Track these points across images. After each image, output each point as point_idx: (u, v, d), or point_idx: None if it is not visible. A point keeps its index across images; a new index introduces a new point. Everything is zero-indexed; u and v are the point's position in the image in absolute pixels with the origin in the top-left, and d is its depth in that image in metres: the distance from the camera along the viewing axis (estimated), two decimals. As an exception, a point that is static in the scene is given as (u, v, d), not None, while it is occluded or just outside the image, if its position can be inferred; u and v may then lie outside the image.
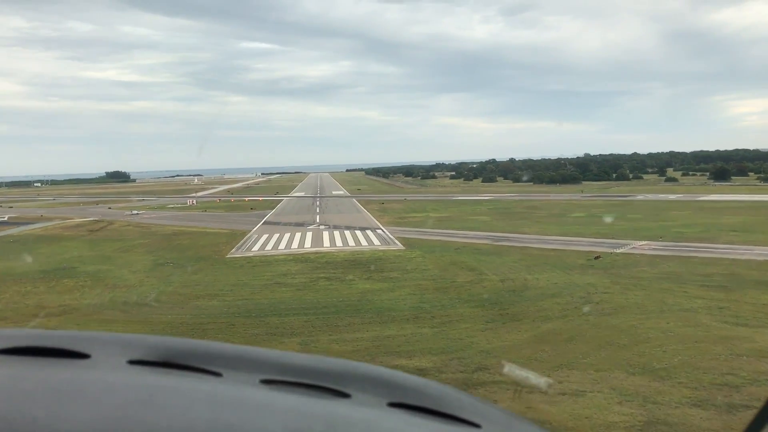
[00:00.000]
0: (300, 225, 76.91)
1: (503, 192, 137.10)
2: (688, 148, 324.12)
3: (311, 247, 56.71)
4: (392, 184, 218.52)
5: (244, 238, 65.16)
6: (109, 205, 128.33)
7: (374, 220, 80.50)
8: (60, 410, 0.86)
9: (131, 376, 1.11)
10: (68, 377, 1.05)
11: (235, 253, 54.57)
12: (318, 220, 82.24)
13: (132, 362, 1.18)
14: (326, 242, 59.77)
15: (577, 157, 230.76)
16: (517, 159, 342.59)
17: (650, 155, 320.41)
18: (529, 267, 42.04)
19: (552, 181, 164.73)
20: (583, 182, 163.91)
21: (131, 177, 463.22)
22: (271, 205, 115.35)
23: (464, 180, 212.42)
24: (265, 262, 48.91)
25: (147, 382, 1.08)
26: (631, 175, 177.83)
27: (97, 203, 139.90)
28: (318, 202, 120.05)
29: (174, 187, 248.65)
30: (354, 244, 57.38)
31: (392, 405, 1.16)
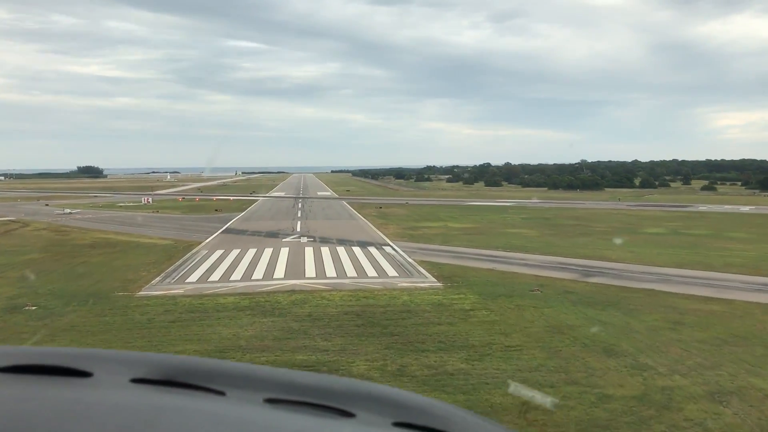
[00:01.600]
0: (273, 235, 55.24)
1: (520, 197, 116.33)
2: (669, 158, 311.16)
3: (285, 277, 34.90)
4: (384, 186, 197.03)
5: (186, 256, 43.32)
6: (47, 202, 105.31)
7: (376, 230, 59.08)
8: (63, 430, 0.85)
9: (134, 395, 1.10)
10: (71, 396, 1.04)
11: (154, 287, 32.57)
12: (299, 229, 60.45)
13: (135, 380, 1.17)
14: (310, 267, 38.12)
15: (577, 164, 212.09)
16: (511, 164, 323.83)
17: (654, 163, 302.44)
18: (720, 347, 20.87)
19: (570, 186, 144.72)
20: (606, 189, 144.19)
21: (104, 173, 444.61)
22: (243, 206, 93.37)
23: (464, 183, 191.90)
24: (194, 311, 26.96)
25: (150, 402, 1.06)
26: (657, 183, 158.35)
27: (38, 199, 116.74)
28: (300, 204, 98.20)
29: (143, 183, 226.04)
30: (355, 274, 35.76)
31: (397, 425, 1.14)
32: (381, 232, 57.34)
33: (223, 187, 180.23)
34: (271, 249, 45.91)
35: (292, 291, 30.60)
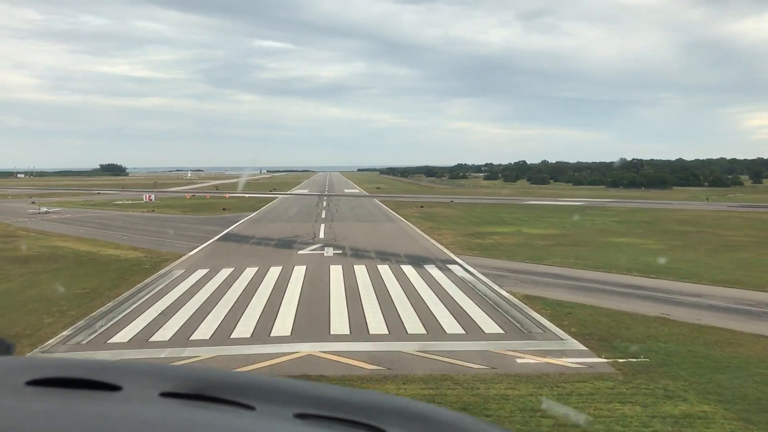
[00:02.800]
0: (287, 245, 39.52)
1: (583, 195, 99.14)
2: (703, 158, 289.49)
3: (292, 335, 18.95)
4: (417, 183, 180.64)
5: (146, 281, 27.77)
6: (34, 200, 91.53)
7: (426, 237, 43.00)
8: None
9: (164, 410, 1.08)
10: (101, 412, 1.03)
11: (52, 351, 17.29)
12: (322, 235, 44.51)
13: (164, 394, 1.15)
14: (338, 310, 22.04)
15: (634, 160, 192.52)
16: (548, 161, 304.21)
17: (701, 161, 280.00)
18: None
19: (633, 183, 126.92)
20: (673, 187, 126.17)
21: (126, 171, 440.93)
22: (257, 205, 78.09)
23: (504, 180, 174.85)
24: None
25: (180, 417, 1.05)
26: (729, 180, 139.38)
27: (30, 196, 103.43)
28: (324, 203, 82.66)
29: (160, 180, 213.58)
30: (421, 329, 19.52)
31: None
32: (434, 239, 41.26)
33: (250, 184, 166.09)
34: (280, 268, 30.14)
35: (307, 376, 14.76)
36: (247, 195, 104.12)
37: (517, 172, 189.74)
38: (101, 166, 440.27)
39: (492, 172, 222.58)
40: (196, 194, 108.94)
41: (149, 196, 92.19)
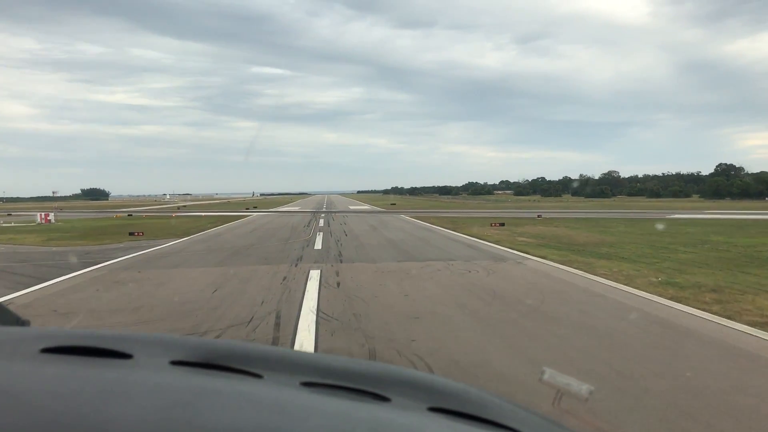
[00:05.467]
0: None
1: (699, 207, 66.91)
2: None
3: None
4: (434, 199, 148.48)
5: None
6: None
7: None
8: (106, 409, 0.86)
9: (174, 377, 1.10)
10: (112, 377, 1.05)
11: None
12: (313, 307, 10.23)
13: (174, 363, 1.17)
14: None
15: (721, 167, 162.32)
16: (570, 177, 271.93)
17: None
18: None
19: (716, 194, 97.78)
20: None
21: (109, 195, 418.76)
22: (204, 226, 45.16)
23: (544, 196, 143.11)
24: None
25: (190, 383, 1.06)
26: None
27: None
28: (321, 222, 49.23)
29: (135, 203, 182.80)
30: None
31: (432, 410, 1.11)
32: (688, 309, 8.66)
33: (221, 204, 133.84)
34: None
35: None
36: (205, 214, 71.30)
37: (556, 188, 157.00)
38: (82, 190, 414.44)
39: (518, 188, 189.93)
40: (146, 214, 76.04)
41: (45, 216, 59.46)
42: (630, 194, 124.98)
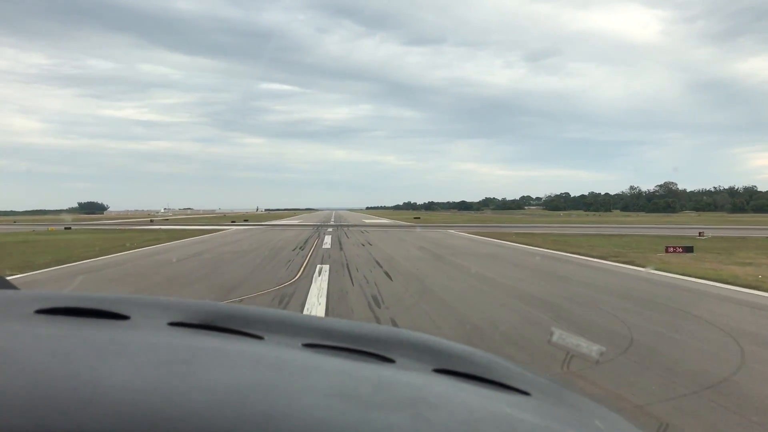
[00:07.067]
0: None
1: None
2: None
3: None
4: (461, 214, 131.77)
5: None
6: None
7: None
8: (101, 366, 0.86)
9: (172, 337, 1.09)
10: (109, 336, 1.04)
11: None
12: None
13: (172, 324, 1.15)
14: None
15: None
16: (597, 193, 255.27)
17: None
18: None
19: None
20: None
21: (106, 209, 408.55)
22: (141, 243, 28.25)
23: (587, 210, 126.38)
24: None
25: (188, 342, 1.06)
26: None
27: None
28: (327, 240, 32.04)
29: (129, 216, 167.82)
30: None
31: (437, 371, 1.11)
32: None
33: (217, 218, 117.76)
34: None
35: None
36: (180, 227, 54.19)
37: (598, 203, 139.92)
38: (79, 204, 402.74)
39: (550, 204, 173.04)
40: (125, 227, 59.24)
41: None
42: (696, 209, 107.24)
